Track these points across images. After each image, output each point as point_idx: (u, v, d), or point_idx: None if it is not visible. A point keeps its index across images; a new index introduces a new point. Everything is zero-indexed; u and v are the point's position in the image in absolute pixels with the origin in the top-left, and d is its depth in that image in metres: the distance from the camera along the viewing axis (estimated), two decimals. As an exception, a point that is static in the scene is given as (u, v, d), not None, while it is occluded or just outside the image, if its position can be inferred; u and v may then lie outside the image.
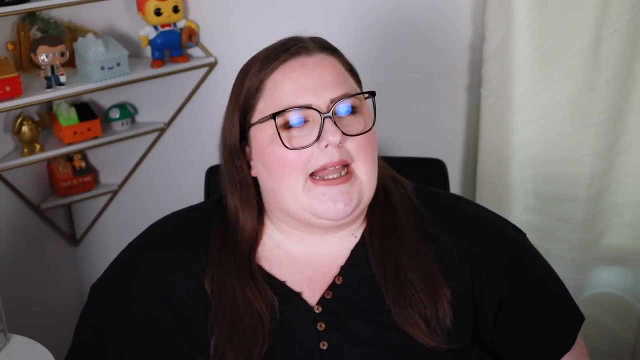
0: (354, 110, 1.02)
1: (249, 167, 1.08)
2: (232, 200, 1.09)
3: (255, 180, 1.08)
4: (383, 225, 1.08)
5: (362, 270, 1.07)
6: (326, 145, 0.99)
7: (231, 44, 1.92)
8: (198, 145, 2.02)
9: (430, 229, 1.08)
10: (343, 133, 0.99)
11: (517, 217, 1.85)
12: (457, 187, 1.97)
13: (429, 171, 1.46)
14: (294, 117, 1.00)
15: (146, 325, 1.08)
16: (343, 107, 1.01)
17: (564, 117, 1.73)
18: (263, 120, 1.02)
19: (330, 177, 1.01)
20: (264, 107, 1.03)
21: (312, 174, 1.01)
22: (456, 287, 1.06)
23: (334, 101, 1.00)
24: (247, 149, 1.07)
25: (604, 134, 1.71)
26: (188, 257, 1.09)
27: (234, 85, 1.08)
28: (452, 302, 1.04)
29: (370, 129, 1.03)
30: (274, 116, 1.00)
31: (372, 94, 1.04)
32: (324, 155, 1.00)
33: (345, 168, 1.02)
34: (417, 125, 1.93)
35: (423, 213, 1.10)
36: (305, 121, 1.01)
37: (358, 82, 1.08)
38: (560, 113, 1.74)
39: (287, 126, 1.01)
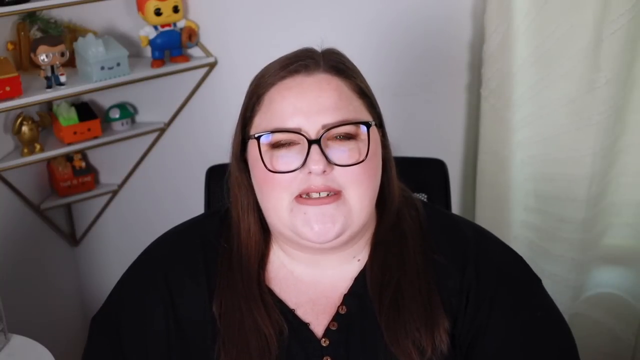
0: (349, 138, 0.97)
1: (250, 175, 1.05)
2: (235, 207, 1.06)
3: None
4: (387, 250, 1.05)
5: (365, 299, 1.04)
6: (309, 172, 0.96)
7: (231, 44, 1.92)
8: (198, 145, 2.02)
9: (435, 257, 1.05)
10: (330, 162, 0.95)
11: (517, 217, 1.85)
12: (457, 187, 1.97)
13: (429, 171, 1.45)
14: (280, 140, 0.97)
15: (153, 348, 1.05)
16: (334, 135, 0.96)
17: (564, 117, 1.73)
18: (250, 137, 1.00)
19: (315, 196, 0.96)
20: (259, 122, 1.00)
21: (298, 195, 0.97)
22: (457, 318, 1.03)
23: (326, 127, 0.95)
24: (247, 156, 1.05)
25: (604, 134, 1.71)
26: (195, 278, 1.06)
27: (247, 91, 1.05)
28: (449, 332, 1.01)
29: (363, 160, 0.97)
30: (257, 138, 0.98)
31: (366, 124, 0.98)
32: (307, 181, 0.96)
33: (333, 192, 0.97)
34: (417, 125, 1.93)
35: (431, 240, 1.06)
36: (295, 143, 0.97)
37: (370, 106, 1.02)
38: (560, 113, 1.74)
39: (276, 145, 0.98)
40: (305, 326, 1.03)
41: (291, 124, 0.96)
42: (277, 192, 0.98)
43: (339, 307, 1.04)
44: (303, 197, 0.97)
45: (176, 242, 1.10)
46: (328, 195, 0.97)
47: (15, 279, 1.91)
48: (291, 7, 1.86)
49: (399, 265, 1.04)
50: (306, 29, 1.83)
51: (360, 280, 1.05)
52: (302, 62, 0.99)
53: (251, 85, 1.03)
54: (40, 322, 1.92)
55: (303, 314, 1.04)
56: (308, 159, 0.95)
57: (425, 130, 1.93)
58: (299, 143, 0.97)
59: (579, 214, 1.79)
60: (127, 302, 1.09)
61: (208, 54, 1.94)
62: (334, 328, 1.03)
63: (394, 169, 1.08)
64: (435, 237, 1.07)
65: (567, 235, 1.82)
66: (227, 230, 1.08)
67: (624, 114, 1.73)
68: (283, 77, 0.99)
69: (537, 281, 1.09)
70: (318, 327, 1.03)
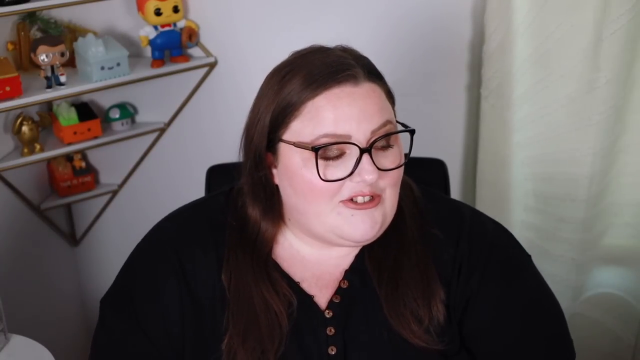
0: (389, 143, 1.02)
1: (271, 173, 1.05)
2: (253, 206, 1.07)
3: (277, 186, 1.07)
4: (387, 228, 1.08)
5: (365, 274, 1.08)
6: (360, 180, 0.98)
7: (231, 44, 1.92)
8: (198, 145, 2.02)
9: (432, 231, 1.09)
10: (378, 168, 0.98)
11: (517, 217, 1.85)
12: (457, 187, 1.97)
13: (429, 171, 1.46)
14: (332, 151, 0.98)
15: (169, 318, 1.07)
16: (381, 143, 1.00)
17: (564, 117, 1.74)
18: (300, 146, 0.98)
19: (360, 201, 1.00)
20: (299, 127, 0.99)
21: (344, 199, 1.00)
22: (450, 288, 1.07)
23: (374, 132, 0.98)
24: (271, 156, 1.04)
25: (604, 134, 1.71)
26: (204, 249, 1.08)
27: (266, 87, 1.03)
28: (445, 302, 1.06)
29: (402, 165, 1.02)
30: (315, 149, 0.97)
31: (412, 132, 1.04)
32: (354, 187, 0.99)
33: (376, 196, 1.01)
34: (417, 125, 1.91)
35: (427, 215, 1.11)
36: (342, 151, 0.99)
37: (393, 105, 1.07)
38: (560, 113, 1.74)
39: (322, 156, 0.98)
40: (310, 298, 1.07)
41: (341, 130, 0.98)
42: (322, 199, 1.00)
43: (340, 281, 1.08)
44: (351, 201, 1.00)
45: (184, 219, 1.13)
46: (372, 198, 1.00)
47: (15, 279, 1.91)
48: (291, 8, 1.86)
49: (396, 240, 1.08)
50: (306, 30, 1.83)
51: (361, 256, 1.09)
52: (349, 72, 0.99)
53: (278, 82, 1.01)
54: (40, 322, 1.92)
55: (307, 287, 1.08)
56: (360, 167, 0.98)
57: (425, 130, 1.92)
58: (345, 152, 0.99)
59: (579, 214, 1.79)
60: (139, 277, 1.10)
61: (208, 54, 1.94)
62: (337, 301, 1.07)
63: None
64: (432, 213, 1.11)
65: (567, 235, 1.82)
66: (233, 207, 1.10)
67: (624, 114, 1.73)
68: (331, 87, 0.98)
69: (527, 256, 1.14)
70: (322, 299, 1.07)
